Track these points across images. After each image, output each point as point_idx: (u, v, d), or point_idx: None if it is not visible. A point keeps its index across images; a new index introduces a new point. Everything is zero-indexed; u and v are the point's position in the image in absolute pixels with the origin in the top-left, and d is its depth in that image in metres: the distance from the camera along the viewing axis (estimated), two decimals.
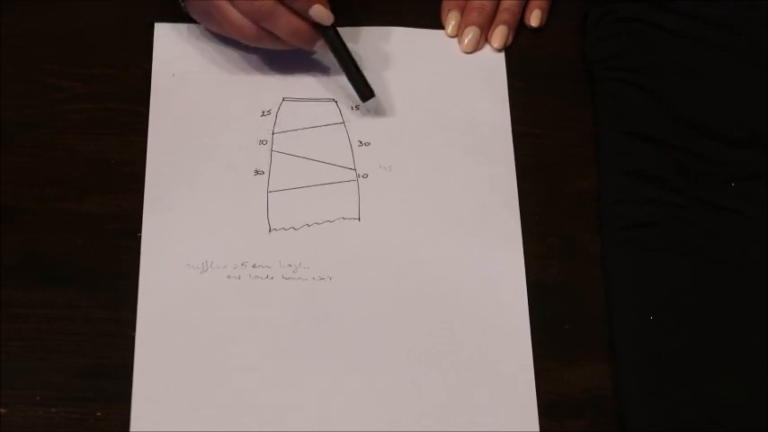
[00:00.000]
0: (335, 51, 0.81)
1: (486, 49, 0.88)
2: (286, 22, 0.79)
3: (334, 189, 0.81)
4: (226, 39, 0.84)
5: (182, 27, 0.85)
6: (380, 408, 0.74)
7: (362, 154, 0.82)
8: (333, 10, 0.80)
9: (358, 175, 0.82)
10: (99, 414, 0.72)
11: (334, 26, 0.80)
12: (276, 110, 0.83)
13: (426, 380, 0.75)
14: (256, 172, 0.81)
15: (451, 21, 0.88)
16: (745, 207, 0.80)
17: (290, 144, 0.82)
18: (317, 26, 0.80)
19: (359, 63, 0.82)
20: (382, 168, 0.82)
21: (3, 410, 0.72)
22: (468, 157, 0.83)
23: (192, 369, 0.74)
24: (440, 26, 0.88)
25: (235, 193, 0.80)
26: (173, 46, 0.85)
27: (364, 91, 0.82)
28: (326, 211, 0.80)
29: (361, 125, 0.84)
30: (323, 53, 0.84)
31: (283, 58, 0.85)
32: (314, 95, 0.84)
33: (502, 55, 0.88)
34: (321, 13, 0.79)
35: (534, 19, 0.88)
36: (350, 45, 0.84)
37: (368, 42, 0.87)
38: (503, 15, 0.88)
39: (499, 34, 0.87)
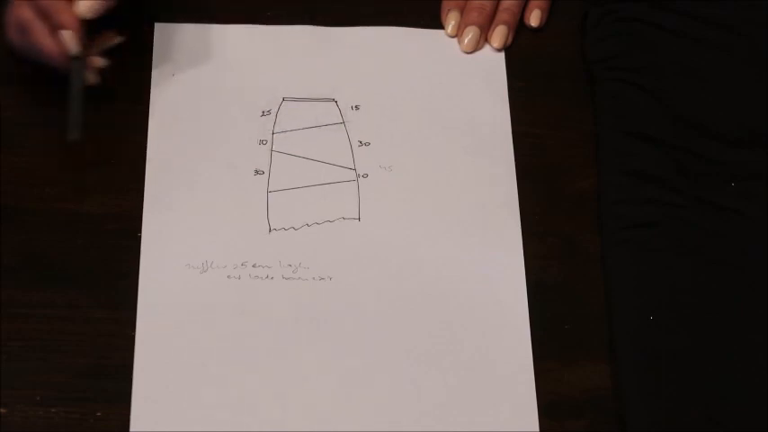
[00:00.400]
0: (72, 81, 0.78)
1: (486, 49, 0.88)
2: (37, 38, 0.77)
3: (334, 189, 0.81)
4: (225, 39, 0.84)
5: (182, 27, 0.85)
6: (380, 408, 0.74)
7: (362, 154, 0.82)
8: (83, 44, 0.78)
9: (358, 175, 0.82)
10: (99, 414, 0.72)
11: (82, 58, 0.78)
12: (276, 110, 0.83)
13: (426, 380, 0.75)
14: (256, 172, 0.81)
15: (451, 21, 0.88)
16: (745, 207, 0.80)
17: (290, 144, 0.82)
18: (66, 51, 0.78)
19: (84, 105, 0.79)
20: (382, 168, 0.82)
21: (3, 410, 0.72)
22: (468, 157, 0.83)
23: (191, 369, 0.74)
24: (440, 26, 0.88)
25: (235, 193, 0.80)
26: (173, 46, 0.85)
27: (72, 129, 0.77)
28: (326, 211, 0.80)
29: (361, 125, 0.84)
30: (322, 55, 0.84)
31: (283, 58, 0.85)
32: (314, 95, 0.84)
33: (502, 55, 0.88)
34: (69, 38, 0.77)
35: (534, 19, 0.88)
36: (350, 45, 0.84)
37: (368, 42, 0.87)
38: (502, 15, 0.88)
39: (499, 34, 0.87)
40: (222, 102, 0.83)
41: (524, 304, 0.78)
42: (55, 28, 0.77)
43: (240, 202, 0.80)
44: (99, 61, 0.80)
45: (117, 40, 0.81)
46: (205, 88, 0.83)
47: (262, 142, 0.82)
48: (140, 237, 0.77)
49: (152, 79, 0.83)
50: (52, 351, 0.74)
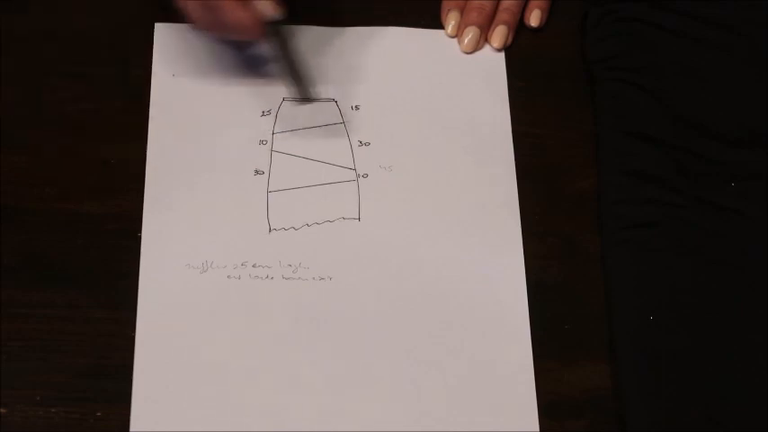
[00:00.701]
0: (279, 48, 0.80)
1: (486, 49, 0.88)
2: (230, 13, 0.76)
3: (334, 189, 0.81)
4: (226, 39, 0.84)
5: (182, 27, 0.85)
6: (380, 408, 0.74)
7: (362, 154, 0.82)
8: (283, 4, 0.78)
9: (358, 175, 0.82)
10: (99, 414, 0.72)
11: (281, 22, 0.78)
12: (276, 110, 0.83)
13: (426, 380, 0.75)
14: (256, 172, 0.81)
15: (451, 21, 0.88)
16: (745, 207, 0.81)
17: (290, 144, 0.82)
18: (263, 20, 0.78)
19: (305, 63, 0.81)
20: (382, 168, 0.82)
21: (3, 410, 0.72)
22: (468, 157, 0.83)
23: (191, 369, 0.74)
24: (440, 26, 0.88)
25: (235, 193, 0.80)
26: (173, 46, 0.85)
27: (305, 92, 0.81)
28: (326, 211, 0.80)
29: (361, 125, 0.84)
30: (322, 55, 0.84)
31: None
32: (314, 95, 0.84)
33: (502, 55, 0.88)
34: (265, 7, 0.77)
35: (534, 19, 0.88)
36: (350, 45, 0.85)
37: (368, 42, 0.87)
38: (502, 15, 0.88)
39: (499, 34, 0.87)
40: (222, 102, 0.83)
41: (524, 304, 0.78)
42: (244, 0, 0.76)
43: (240, 202, 0.80)
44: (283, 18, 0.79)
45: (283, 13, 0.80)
46: (205, 88, 0.83)
47: (262, 142, 0.82)
48: (140, 237, 0.77)
49: (152, 79, 0.83)
50: (52, 351, 0.74)
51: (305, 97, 0.82)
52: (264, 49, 0.82)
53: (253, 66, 0.84)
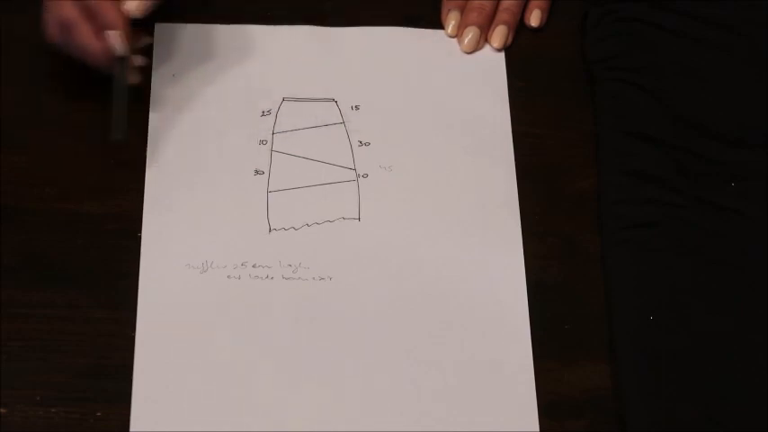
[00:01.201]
0: (116, 81, 0.78)
1: (486, 49, 0.88)
2: (83, 38, 0.77)
3: (334, 189, 0.81)
4: (225, 39, 0.84)
5: (182, 27, 0.85)
6: (380, 408, 0.74)
7: (362, 154, 0.82)
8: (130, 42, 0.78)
9: (358, 175, 0.82)
10: (99, 414, 0.72)
11: (125, 57, 0.78)
12: (276, 110, 0.83)
13: (426, 380, 0.75)
14: (256, 172, 0.81)
15: (451, 21, 0.88)
16: (745, 207, 0.80)
17: (290, 144, 0.82)
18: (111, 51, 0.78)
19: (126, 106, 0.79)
20: (382, 168, 0.82)
21: (3, 410, 0.72)
22: (468, 157, 0.83)
23: (191, 369, 0.74)
24: (440, 26, 0.88)
25: (235, 193, 0.80)
26: (173, 46, 0.85)
27: (117, 129, 0.77)
28: (326, 211, 0.80)
29: (361, 125, 0.83)
30: (324, 55, 0.84)
31: (283, 58, 0.85)
32: (314, 95, 0.84)
33: (502, 55, 0.88)
34: (116, 40, 0.77)
35: (534, 19, 0.88)
36: (350, 45, 0.85)
37: (368, 42, 0.87)
38: (502, 15, 0.88)
39: (499, 34, 0.87)
40: (222, 102, 0.83)
41: (524, 304, 0.78)
42: (100, 27, 0.76)
43: (240, 202, 0.80)
44: (140, 60, 0.80)
45: (147, 40, 0.81)
46: (205, 88, 0.83)
47: (262, 142, 0.82)
48: (140, 237, 0.77)
49: (152, 79, 0.83)
50: (52, 351, 0.74)
51: (115, 137, 0.78)
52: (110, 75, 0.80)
53: (253, 66, 0.84)
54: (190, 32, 0.85)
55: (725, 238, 0.79)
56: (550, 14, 0.89)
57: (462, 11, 0.88)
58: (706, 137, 0.83)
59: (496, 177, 0.82)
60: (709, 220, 0.80)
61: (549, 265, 0.80)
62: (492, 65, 0.87)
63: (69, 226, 0.77)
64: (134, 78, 0.80)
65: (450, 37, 0.88)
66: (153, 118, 0.82)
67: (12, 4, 0.84)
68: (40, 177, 0.79)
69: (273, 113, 0.83)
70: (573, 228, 0.81)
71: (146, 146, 0.80)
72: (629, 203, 0.81)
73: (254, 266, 0.77)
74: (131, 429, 0.72)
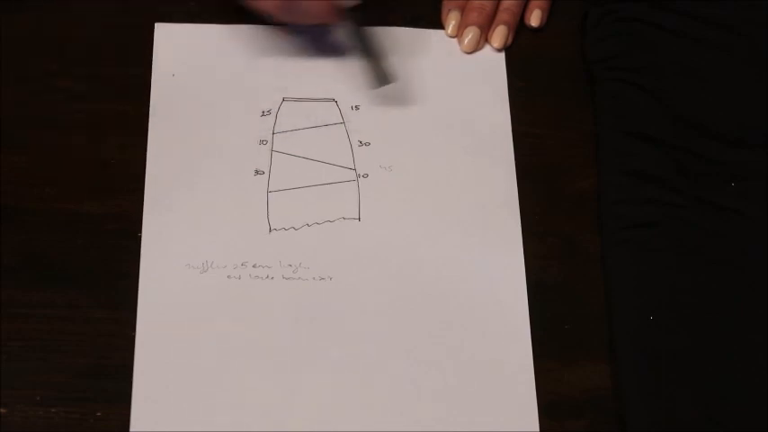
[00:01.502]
0: (355, 33, 0.81)
1: (486, 49, 0.88)
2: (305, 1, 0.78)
3: (334, 189, 0.81)
4: (225, 39, 0.84)
5: (182, 27, 0.85)
6: (380, 408, 0.74)
7: (362, 154, 0.82)
8: None
9: (358, 175, 0.82)
10: (99, 414, 0.72)
11: (359, 8, 0.80)
12: (276, 110, 0.83)
13: (426, 380, 0.75)
14: (256, 172, 0.81)
15: (451, 21, 0.88)
16: (745, 207, 0.81)
17: (290, 144, 0.82)
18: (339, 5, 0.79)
19: (381, 50, 0.82)
20: (382, 168, 0.82)
21: (3, 410, 0.72)
22: (468, 157, 0.83)
23: (191, 369, 0.74)
24: (440, 26, 0.88)
25: (235, 193, 0.80)
26: (173, 46, 0.85)
27: (382, 78, 0.82)
28: (326, 211, 0.80)
29: (361, 125, 0.84)
30: (323, 55, 0.84)
31: (283, 58, 0.85)
32: (314, 95, 0.84)
33: (502, 55, 0.88)
34: None
35: (534, 19, 0.88)
36: (351, 45, 0.85)
37: None
38: (503, 15, 0.88)
39: (499, 34, 0.87)
40: (222, 102, 0.83)
41: (524, 304, 0.78)
42: None
43: (240, 202, 0.80)
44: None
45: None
46: (205, 88, 0.83)
47: (262, 142, 0.82)
48: (140, 237, 0.77)
49: (152, 79, 0.83)
50: (52, 351, 0.74)
51: (384, 82, 0.82)
52: (340, 35, 0.84)
53: (253, 66, 0.84)
54: (190, 32, 0.85)
55: (725, 238, 0.79)
56: (550, 14, 0.89)
57: (462, 11, 0.88)
58: (706, 137, 0.83)
59: (496, 177, 0.82)
60: (709, 220, 0.80)
61: (549, 265, 0.80)
62: (492, 65, 0.87)
63: (69, 226, 0.77)
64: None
65: (451, 37, 0.88)
66: (153, 118, 0.82)
67: (12, 4, 0.84)
68: (40, 177, 0.79)
69: (273, 113, 0.83)
70: (573, 228, 0.81)
71: (146, 146, 0.80)
72: (629, 203, 0.81)
73: (254, 266, 0.77)
74: (131, 429, 0.72)
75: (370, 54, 0.82)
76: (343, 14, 0.80)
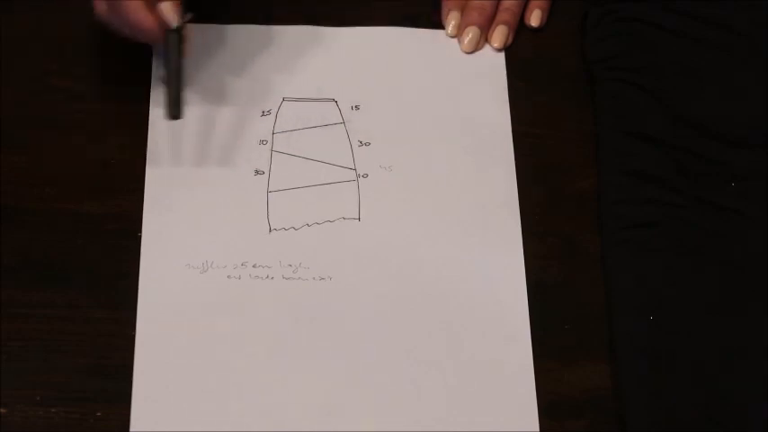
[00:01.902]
0: (167, 55, 0.78)
1: (486, 49, 0.88)
2: (130, 11, 0.75)
3: (334, 189, 0.81)
4: (225, 39, 0.84)
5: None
6: (380, 408, 0.74)
7: (362, 154, 0.82)
8: (183, 13, 0.77)
9: (358, 175, 0.82)
10: (99, 414, 0.72)
11: (179, 30, 0.77)
12: (276, 110, 0.83)
13: (426, 380, 0.75)
14: (256, 172, 0.81)
15: (451, 21, 0.88)
16: (745, 207, 0.81)
17: (290, 144, 0.82)
18: (163, 24, 0.77)
19: (187, 78, 0.80)
20: (382, 168, 0.82)
21: (3, 410, 0.72)
22: (468, 157, 0.83)
23: (191, 369, 0.74)
24: (440, 26, 0.88)
25: (235, 193, 0.80)
26: None
27: (172, 109, 0.77)
28: (326, 211, 0.80)
29: (361, 125, 0.84)
30: (323, 55, 0.84)
31: (283, 58, 0.85)
32: (314, 95, 0.84)
33: (502, 55, 0.88)
34: (169, 12, 0.76)
35: (534, 19, 0.88)
36: (350, 45, 0.85)
37: (368, 42, 0.87)
38: (503, 15, 0.88)
39: (499, 34, 0.87)
40: (222, 102, 0.83)
41: (524, 304, 0.78)
42: (149, 1, 0.75)
43: (240, 202, 0.80)
44: (189, 32, 0.78)
45: (189, 15, 0.79)
46: (205, 88, 0.83)
47: (262, 142, 0.82)
48: (140, 237, 0.77)
49: (152, 80, 0.83)
50: (52, 351, 0.74)
51: (170, 116, 0.77)
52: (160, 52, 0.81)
53: (253, 66, 0.84)
54: (190, 32, 0.85)
55: (725, 238, 0.79)
56: (550, 14, 0.89)
57: (462, 11, 0.88)
58: (706, 137, 0.83)
59: (496, 177, 0.82)
60: (709, 220, 0.80)
61: (549, 265, 0.80)
62: (492, 65, 0.87)
63: (69, 226, 0.77)
64: (187, 51, 0.78)
65: (451, 37, 0.88)
66: (153, 118, 0.81)
67: (12, 4, 0.84)
68: (40, 177, 0.79)
69: (273, 113, 0.83)
70: (573, 228, 0.81)
71: (146, 146, 0.80)
72: (629, 203, 0.81)
73: (254, 266, 0.77)
74: (131, 429, 0.72)
75: (174, 81, 0.77)
76: (164, 35, 0.77)
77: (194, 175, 0.80)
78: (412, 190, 0.81)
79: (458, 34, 0.88)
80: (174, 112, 0.77)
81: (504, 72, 0.87)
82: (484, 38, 0.88)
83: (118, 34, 0.79)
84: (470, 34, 0.87)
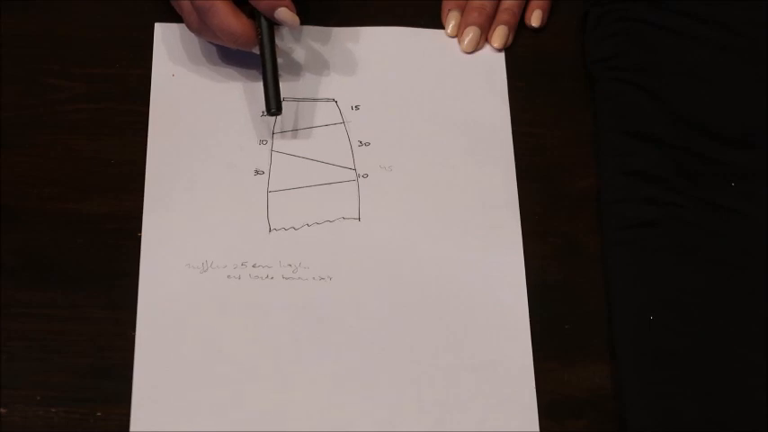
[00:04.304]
0: (263, 53, 0.80)
1: (486, 49, 0.88)
2: (220, 21, 0.78)
3: (334, 189, 0.81)
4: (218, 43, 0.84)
5: (182, 27, 0.85)
6: (380, 408, 0.74)
7: (362, 154, 0.82)
8: (298, 13, 0.79)
9: (358, 175, 0.82)
10: (99, 414, 0.72)
11: (271, 31, 0.80)
12: None
13: (426, 380, 0.75)
14: (256, 172, 0.81)
15: (451, 21, 0.88)
16: (745, 207, 0.80)
17: (290, 144, 0.82)
18: (254, 29, 0.80)
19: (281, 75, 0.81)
20: (382, 168, 0.82)
21: (3, 410, 0.72)
22: (468, 157, 0.83)
23: (192, 369, 0.74)
24: (440, 26, 0.88)
25: (235, 193, 0.80)
26: (173, 46, 0.85)
27: (272, 104, 0.79)
28: (326, 211, 0.80)
29: (361, 125, 0.84)
30: (322, 55, 0.84)
31: (284, 58, 0.85)
32: (314, 95, 0.84)
33: (502, 55, 0.88)
34: (286, 17, 0.79)
35: (534, 19, 0.88)
36: (350, 45, 0.85)
37: (368, 42, 0.87)
38: (503, 15, 0.88)
39: (499, 34, 0.87)
40: (222, 102, 0.83)
41: (524, 304, 0.78)
42: (233, 7, 0.78)
43: (240, 202, 0.80)
44: (289, 17, 0.79)
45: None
46: (205, 88, 0.83)
47: (262, 142, 0.82)
48: (140, 237, 0.77)
49: (152, 79, 0.83)
50: (52, 351, 0.74)
51: (272, 111, 0.80)
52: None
53: (253, 66, 0.84)
54: (190, 32, 0.85)
55: (725, 238, 0.79)
56: (550, 14, 0.89)
57: (462, 11, 0.88)
58: (706, 137, 0.83)
59: (496, 177, 0.82)
60: (709, 220, 0.80)
61: (549, 265, 0.80)
62: (492, 65, 0.87)
63: (69, 226, 0.77)
64: (278, 48, 0.80)
65: (450, 37, 0.88)
66: (153, 118, 0.82)
67: (12, 3, 0.84)
68: (40, 177, 0.79)
69: None
70: (573, 228, 0.81)
71: (146, 146, 0.80)
72: (629, 203, 0.81)
73: (254, 266, 0.77)
74: (131, 429, 0.72)
75: (269, 79, 0.80)
76: (256, 41, 0.80)
77: (194, 175, 0.80)
78: (412, 190, 0.81)
79: (458, 34, 0.88)
80: (275, 107, 0.79)
81: (504, 72, 0.87)
82: (484, 38, 0.88)
83: (203, 38, 0.81)
84: (470, 34, 0.87)
